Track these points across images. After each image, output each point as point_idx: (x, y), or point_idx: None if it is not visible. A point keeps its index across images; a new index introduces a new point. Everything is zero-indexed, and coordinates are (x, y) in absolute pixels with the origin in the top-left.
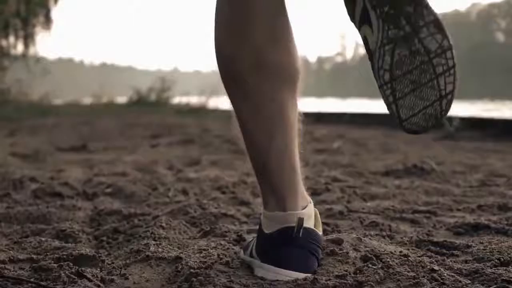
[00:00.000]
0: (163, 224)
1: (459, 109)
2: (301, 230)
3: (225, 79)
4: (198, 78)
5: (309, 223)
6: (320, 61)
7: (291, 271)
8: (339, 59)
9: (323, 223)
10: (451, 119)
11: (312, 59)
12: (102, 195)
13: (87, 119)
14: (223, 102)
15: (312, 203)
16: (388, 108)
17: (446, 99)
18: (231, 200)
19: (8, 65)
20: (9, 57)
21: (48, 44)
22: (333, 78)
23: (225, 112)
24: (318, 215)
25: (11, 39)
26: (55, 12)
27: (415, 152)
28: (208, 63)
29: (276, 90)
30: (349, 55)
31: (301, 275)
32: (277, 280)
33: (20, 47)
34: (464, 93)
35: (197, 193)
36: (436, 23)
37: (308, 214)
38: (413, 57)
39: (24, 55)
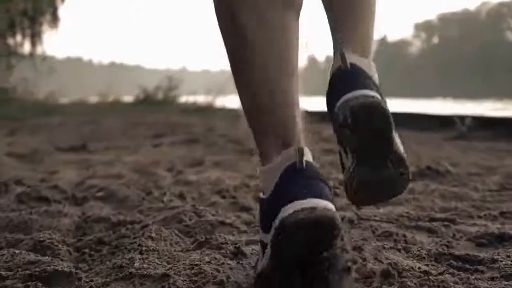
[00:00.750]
0: (153, 235)
1: (468, 108)
2: (304, 162)
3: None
4: (207, 78)
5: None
6: (329, 60)
7: (309, 199)
8: None
9: None
10: (463, 118)
11: (321, 58)
12: (92, 199)
13: (91, 118)
14: (230, 101)
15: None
16: (344, 170)
17: (403, 177)
18: (231, 205)
19: (15, 64)
20: (16, 55)
21: (56, 43)
22: None
23: (231, 111)
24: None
25: (18, 37)
26: (63, 11)
27: (427, 152)
28: (217, 62)
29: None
30: None
31: (322, 202)
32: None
33: (27, 46)
34: (473, 92)
35: (195, 197)
36: (398, 161)
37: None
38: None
39: (31, 54)
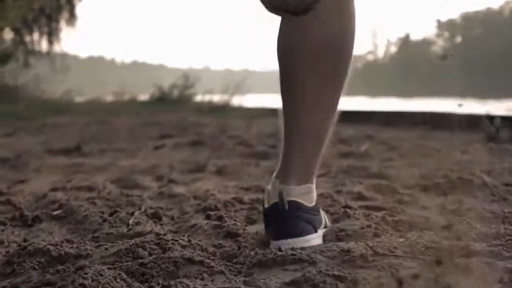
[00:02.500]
0: (88, 282)
1: (494, 108)
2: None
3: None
4: (228, 76)
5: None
6: (353, 60)
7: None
8: (370, 57)
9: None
10: (491, 118)
11: None
12: (46, 219)
13: (102, 117)
14: (247, 100)
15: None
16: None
17: None
18: (213, 230)
19: (32, 62)
20: (34, 53)
21: (79, 42)
22: (364, 76)
23: (248, 111)
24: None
25: (35, 35)
26: (87, 10)
27: (455, 157)
28: (239, 61)
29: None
30: (380, 53)
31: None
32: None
33: (44, 44)
34: (497, 92)
35: (174, 217)
36: None
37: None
38: None
39: (48, 52)
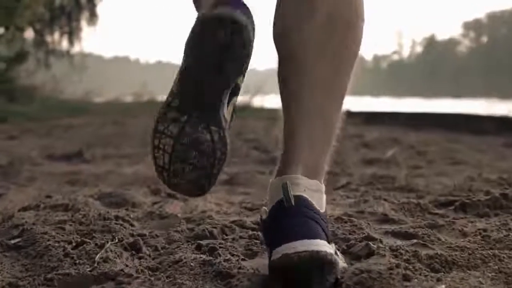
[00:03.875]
0: None
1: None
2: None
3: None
4: (252, 76)
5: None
6: (376, 59)
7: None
8: (395, 57)
9: None
10: None
11: (368, 57)
12: (1, 250)
13: (117, 119)
14: (269, 101)
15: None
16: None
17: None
18: (200, 269)
19: (52, 62)
20: (54, 53)
21: (104, 43)
22: (389, 76)
23: (269, 112)
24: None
25: (56, 35)
26: (110, 9)
27: (489, 164)
28: (264, 61)
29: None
30: (405, 53)
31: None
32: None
33: (65, 44)
34: None
35: (158, 247)
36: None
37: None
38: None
39: (68, 52)
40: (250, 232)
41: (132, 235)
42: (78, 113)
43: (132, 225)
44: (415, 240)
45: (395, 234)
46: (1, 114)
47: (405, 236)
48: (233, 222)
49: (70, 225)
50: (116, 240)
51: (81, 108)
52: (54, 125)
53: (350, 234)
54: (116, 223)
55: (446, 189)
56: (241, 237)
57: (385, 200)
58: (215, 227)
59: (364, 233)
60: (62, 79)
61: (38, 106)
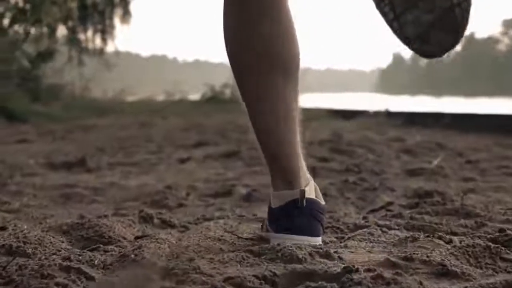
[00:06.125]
0: None
1: None
2: (304, 200)
3: (233, 69)
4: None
5: (311, 195)
6: (415, 57)
7: (301, 236)
8: None
9: None
10: None
11: (406, 55)
12: None
13: (145, 119)
14: (304, 100)
15: (312, 180)
16: (391, 28)
17: (460, 7)
18: None
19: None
20: (87, 51)
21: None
22: (428, 75)
23: (303, 112)
24: (318, 188)
25: (89, 33)
26: (148, 8)
27: None
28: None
29: (278, 79)
30: None
31: (309, 238)
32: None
33: (98, 41)
34: None
35: None
36: None
37: (310, 189)
38: None
39: (101, 50)
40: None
41: None
42: (106, 113)
43: (88, 279)
44: None
45: None
46: (22, 114)
47: None
48: (227, 280)
49: (27, 270)
50: None
51: (110, 108)
52: (75, 126)
53: None
54: (61, 281)
55: (510, 212)
56: None
57: (440, 238)
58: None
59: None
60: (92, 78)
61: (64, 106)
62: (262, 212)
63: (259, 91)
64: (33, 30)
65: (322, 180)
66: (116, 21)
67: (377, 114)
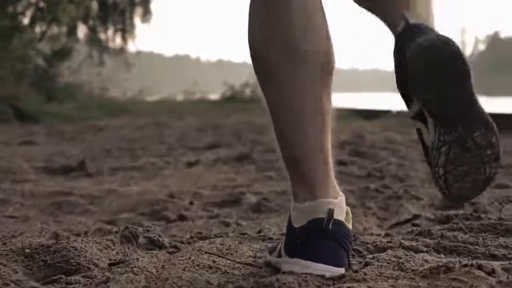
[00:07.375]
0: None
1: None
2: (331, 221)
3: (257, 69)
4: None
5: (340, 217)
6: None
7: (319, 264)
8: None
9: None
10: None
11: None
12: None
13: (162, 119)
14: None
15: (344, 197)
16: (439, 190)
17: (490, 180)
18: None
19: (106, 60)
20: (108, 50)
21: (166, 41)
22: None
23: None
24: (350, 212)
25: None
26: (173, 9)
27: None
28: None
29: (308, 81)
30: (468, 51)
31: (331, 269)
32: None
33: (118, 40)
34: None
35: None
36: (486, 125)
37: (340, 205)
38: (465, 153)
39: (122, 49)
40: None
41: None
42: (122, 113)
43: None
44: None
45: None
46: (35, 114)
47: None
48: None
49: None
50: None
51: (127, 108)
52: (87, 127)
53: None
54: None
55: None
56: None
57: (479, 268)
58: None
59: None
60: (111, 77)
61: (80, 106)
62: (271, 225)
63: (287, 88)
64: (51, 29)
65: (340, 186)
66: (137, 20)
67: (400, 114)
